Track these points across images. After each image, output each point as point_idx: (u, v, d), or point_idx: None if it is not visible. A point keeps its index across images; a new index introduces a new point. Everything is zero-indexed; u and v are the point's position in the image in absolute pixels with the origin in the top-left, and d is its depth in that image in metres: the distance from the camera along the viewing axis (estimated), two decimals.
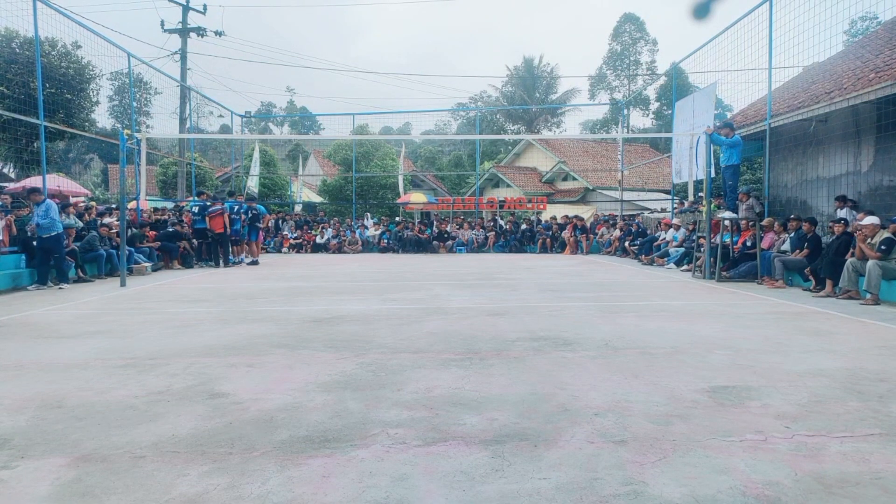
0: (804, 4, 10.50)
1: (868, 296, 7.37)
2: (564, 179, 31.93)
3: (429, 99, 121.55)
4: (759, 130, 12.25)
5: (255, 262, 14.23)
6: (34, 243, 9.36)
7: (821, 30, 10.23)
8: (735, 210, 10.53)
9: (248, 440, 2.77)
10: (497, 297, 7.92)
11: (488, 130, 42.10)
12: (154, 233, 13.07)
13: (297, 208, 26.36)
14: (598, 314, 6.42)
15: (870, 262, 7.40)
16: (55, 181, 17.10)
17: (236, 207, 13.94)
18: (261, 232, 15.51)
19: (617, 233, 17.65)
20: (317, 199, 30.15)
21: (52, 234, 9.14)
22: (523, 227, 20.71)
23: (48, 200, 9.34)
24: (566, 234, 18.70)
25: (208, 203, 13.60)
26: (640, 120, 47.19)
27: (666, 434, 2.82)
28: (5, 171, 21.86)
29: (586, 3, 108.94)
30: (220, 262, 13.42)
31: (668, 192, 21.89)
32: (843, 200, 9.97)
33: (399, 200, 25.37)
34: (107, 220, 12.06)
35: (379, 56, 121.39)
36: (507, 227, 20.55)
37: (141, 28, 64.24)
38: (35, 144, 14.27)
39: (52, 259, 9.24)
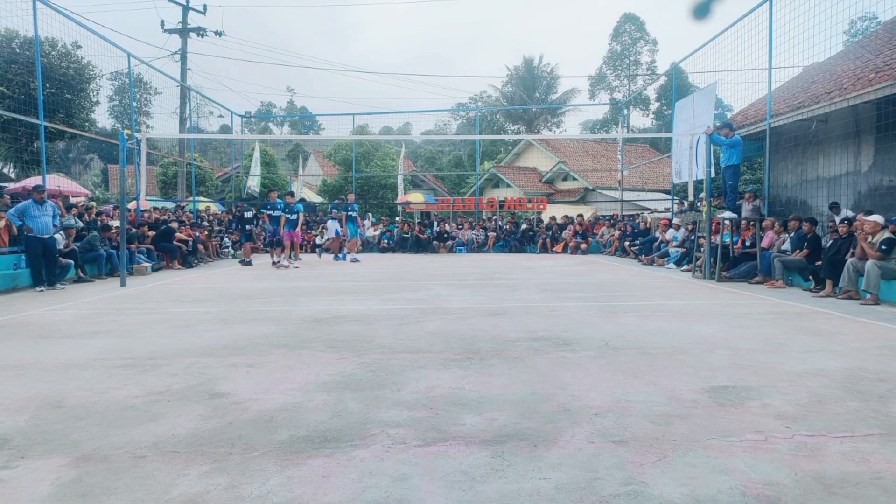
0: (804, 4, 10.51)
1: (868, 296, 7.37)
2: (564, 179, 31.93)
3: (429, 99, 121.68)
4: (759, 130, 12.25)
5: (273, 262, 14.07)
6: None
7: (821, 30, 10.23)
8: (735, 210, 10.52)
9: (248, 440, 2.77)
10: (497, 297, 7.92)
11: (488, 130, 42.11)
12: (154, 233, 13.08)
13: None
14: (598, 314, 6.43)
15: (868, 262, 7.40)
16: (55, 181, 17.10)
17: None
18: (289, 231, 13.71)
19: (617, 233, 17.66)
20: (317, 199, 30.15)
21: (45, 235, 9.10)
22: (523, 227, 20.72)
23: (23, 202, 9.29)
24: (567, 234, 18.71)
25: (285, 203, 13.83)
26: (640, 120, 47.24)
27: (666, 434, 2.82)
28: (5, 171, 21.86)
29: (586, 3, 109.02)
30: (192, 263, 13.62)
31: (668, 192, 21.88)
32: (836, 208, 9.98)
33: (398, 201, 25.39)
34: (112, 222, 12.06)
35: (378, 55, 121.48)
36: (508, 227, 20.56)
37: (141, 28, 64.27)
38: (35, 144, 14.27)
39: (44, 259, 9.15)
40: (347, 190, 23.30)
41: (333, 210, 16.27)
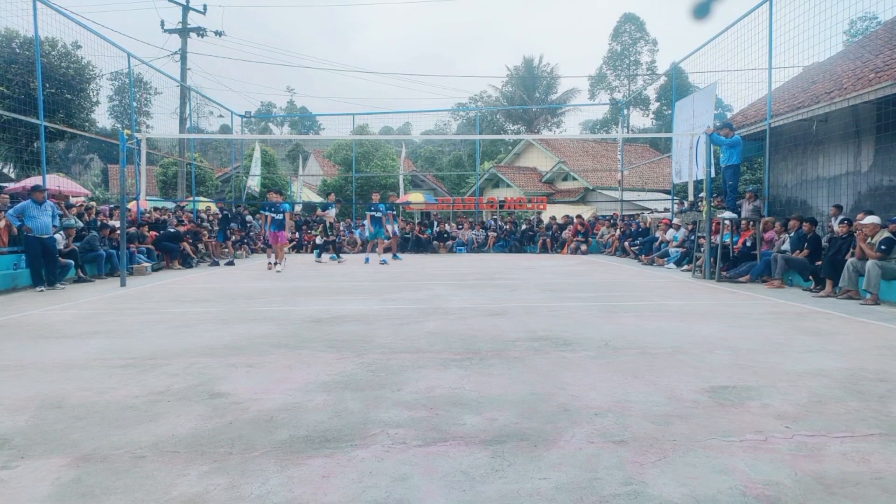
0: (804, 4, 10.52)
1: (868, 296, 7.37)
2: (564, 179, 31.93)
3: (429, 99, 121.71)
4: (759, 130, 12.25)
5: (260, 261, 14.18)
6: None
7: (821, 30, 10.25)
8: (735, 210, 10.52)
9: (248, 440, 2.77)
10: (497, 297, 7.92)
11: (488, 130, 42.10)
12: (154, 233, 13.09)
13: (297, 208, 26.36)
14: (598, 314, 6.42)
15: (869, 262, 7.40)
16: (55, 181, 17.10)
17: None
18: (274, 232, 12.69)
19: (617, 233, 17.65)
20: (317, 199, 30.14)
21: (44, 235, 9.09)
22: (523, 227, 20.72)
23: (23, 202, 9.27)
24: (567, 233, 18.70)
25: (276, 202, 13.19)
26: (640, 120, 47.25)
27: (666, 434, 2.82)
28: (5, 171, 21.86)
29: (586, 2, 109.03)
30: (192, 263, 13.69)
31: (668, 192, 21.88)
32: (839, 209, 9.98)
33: (399, 200, 25.40)
34: (112, 222, 12.08)
35: (378, 55, 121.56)
36: (508, 227, 20.57)
37: (141, 28, 64.38)
38: (35, 144, 14.28)
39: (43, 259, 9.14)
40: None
41: (390, 212, 16.86)
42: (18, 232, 9.37)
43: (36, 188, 9.38)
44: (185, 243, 13.44)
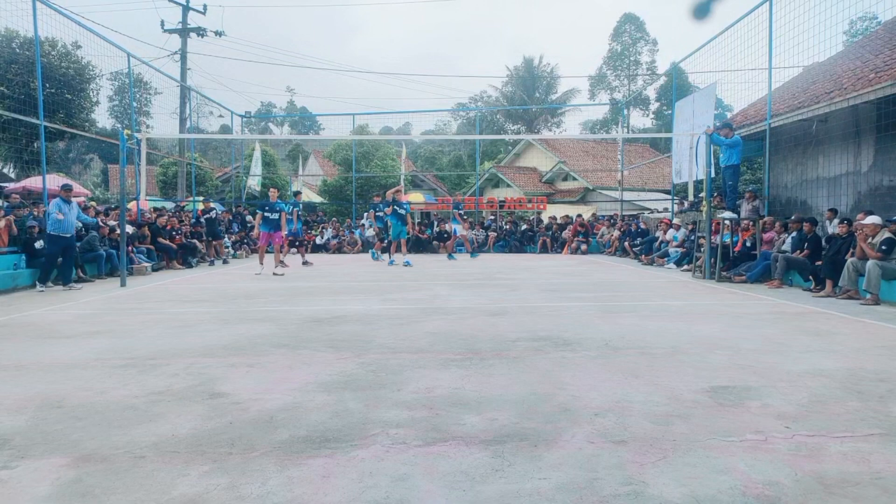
0: (804, 4, 10.53)
1: (868, 296, 7.37)
2: (564, 179, 31.92)
3: (429, 99, 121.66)
4: (759, 130, 12.25)
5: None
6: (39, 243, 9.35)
7: (821, 30, 10.25)
8: (735, 210, 10.52)
9: (248, 440, 2.77)
10: (497, 297, 7.92)
11: (488, 130, 42.11)
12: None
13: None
14: (598, 314, 6.42)
15: (869, 262, 7.40)
16: (55, 181, 17.09)
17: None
18: (266, 233, 11.78)
19: (617, 233, 17.65)
20: (317, 199, 30.14)
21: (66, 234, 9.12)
22: (523, 227, 20.72)
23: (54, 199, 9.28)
24: (567, 234, 18.70)
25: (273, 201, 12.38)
26: (640, 120, 47.27)
27: (666, 434, 2.82)
28: (5, 171, 21.87)
29: (587, 2, 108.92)
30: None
31: (668, 192, 21.88)
32: (834, 212, 10.01)
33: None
34: (110, 221, 12.05)
35: (378, 55, 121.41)
36: (507, 227, 20.57)
37: (141, 28, 64.40)
38: (35, 144, 14.30)
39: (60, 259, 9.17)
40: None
41: (456, 211, 17.78)
42: (40, 231, 9.41)
43: (65, 187, 9.48)
44: (160, 238, 12.87)
